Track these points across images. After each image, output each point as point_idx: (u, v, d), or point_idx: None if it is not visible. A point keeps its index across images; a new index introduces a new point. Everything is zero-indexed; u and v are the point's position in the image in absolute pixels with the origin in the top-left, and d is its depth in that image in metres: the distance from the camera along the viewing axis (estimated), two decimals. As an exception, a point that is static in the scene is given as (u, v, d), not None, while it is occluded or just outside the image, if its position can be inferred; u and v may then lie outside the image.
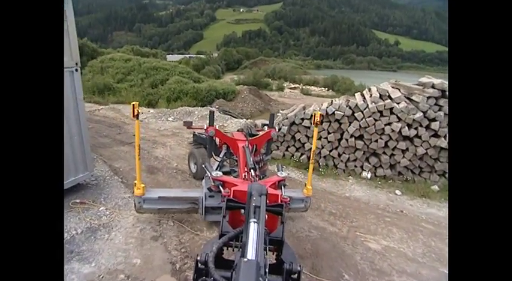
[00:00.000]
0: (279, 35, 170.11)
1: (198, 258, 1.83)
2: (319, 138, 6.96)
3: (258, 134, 5.22)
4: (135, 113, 3.62)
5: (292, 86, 36.83)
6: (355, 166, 6.92)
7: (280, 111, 13.99)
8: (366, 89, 7.73)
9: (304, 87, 35.05)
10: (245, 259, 1.59)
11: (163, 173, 6.52)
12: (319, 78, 41.47)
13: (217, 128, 4.99)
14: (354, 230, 4.71)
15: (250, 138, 4.95)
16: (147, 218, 4.67)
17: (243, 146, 4.60)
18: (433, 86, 6.21)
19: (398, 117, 6.27)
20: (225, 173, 4.18)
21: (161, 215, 4.75)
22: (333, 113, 6.62)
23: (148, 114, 12.36)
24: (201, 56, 66.27)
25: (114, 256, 3.83)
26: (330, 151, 6.95)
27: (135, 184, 4.08)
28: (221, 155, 5.16)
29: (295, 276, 1.90)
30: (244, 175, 3.99)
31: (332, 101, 7.47)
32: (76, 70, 4.81)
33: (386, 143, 6.48)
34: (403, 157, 6.48)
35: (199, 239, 4.25)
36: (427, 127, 6.23)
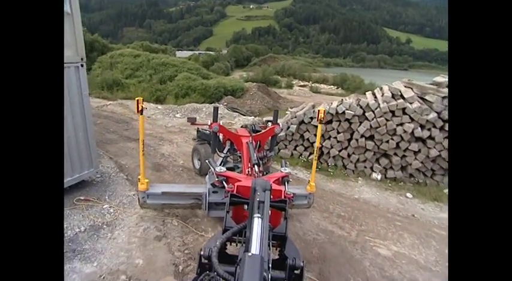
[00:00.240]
0: (288, 32, 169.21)
1: (202, 253, 1.82)
2: (329, 138, 6.80)
3: (261, 130, 5.20)
4: (140, 109, 3.58)
5: (302, 83, 36.47)
6: (365, 167, 6.73)
7: (289, 109, 13.83)
8: (378, 88, 7.52)
9: (313, 85, 34.66)
10: (249, 254, 1.58)
11: (169, 170, 6.44)
12: (328, 76, 41.00)
13: (221, 124, 4.96)
14: (363, 234, 4.55)
15: (254, 134, 4.94)
16: (151, 217, 4.59)
17: (246, 142, 4.58)
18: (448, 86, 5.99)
19: (411, 117, 6.06)
20: (228, 169, 4.12)
21: (165, 215, 4.67)
22: (343, 112, 6.45)
23: (156, 111, 12.33)
24: (211, 52, 66.22)
25: (117, 256, 3.76)
26: (339, 151, 6.78)
27: (139, 179, 4.05)
28: (225, 151, 5.16)
29: (298, 272, 1.90)
30: (248, 171, 3.99)
31: (342, 99, 7.29)
32: (82, 65, 4.73)
33: (397, 144, 6.28)
34: (415, 158, 6.28)
35: (203, 240, 4.15)
36: (441, 128, 6.01)
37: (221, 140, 5.26)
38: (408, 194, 5.96)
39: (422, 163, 6.26)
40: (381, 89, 7.25)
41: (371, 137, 6.50)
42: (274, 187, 2.86)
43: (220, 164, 4.49)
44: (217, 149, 5.17)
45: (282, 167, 4.02)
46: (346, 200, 5.64)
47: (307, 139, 6.99)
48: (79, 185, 5.25)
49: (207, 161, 4.45)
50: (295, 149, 7.27)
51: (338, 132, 6.67)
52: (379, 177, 6.59)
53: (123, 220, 4.52)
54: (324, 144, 6.83)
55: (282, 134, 7.31)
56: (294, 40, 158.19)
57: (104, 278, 3.41)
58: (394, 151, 6.41)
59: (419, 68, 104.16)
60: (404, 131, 6.10)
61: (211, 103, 14.67)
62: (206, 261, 1.82)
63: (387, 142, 6.33)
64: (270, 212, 2.17)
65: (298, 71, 43.41)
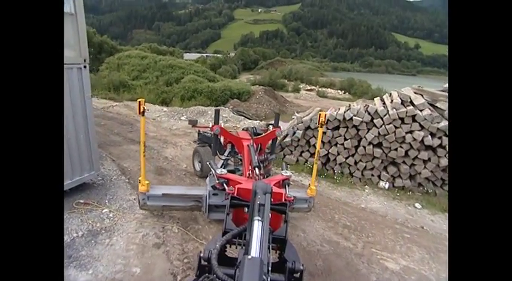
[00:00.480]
0: (296, 36, 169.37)
1: (201, 255, 1.82)
2: (335, 145, 6.63)
3: (262, 134, 5.21)
4: (141, 110, 3.61)
5: (308, 87, 36.34)
6: (372, 175, 6.54)
7: (296, 113, 13.68)
8: (386, 94, 7.34)
9: (320, 89, 34.51)
10: (249, 257, 1.58)
11: (172, 175, 6.32)
12: (335, 81, 40.82)
13: (223, 127, 4.96)
14: (369, 246, 4.37)
15: (255, 137, 4.95)
16: (150, 223, 4.46)
17: (247, 145, 4.59)
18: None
19: (421, 125, 5.87)
20: (229, 171, 4.07)
21: (166, 221, 4.55)
22: (351, 118, 6.27)
23: (161, 113, 12.27)
24: (218, 55, 66.44)
25: (113, 264, 3.63)
26: (346, 158, 6.61)
27: (140, 180, 4.02)
28: (226, 154, 5.18)
29: (298, 275, 1.89)
30: (249, 173, 3.99)
31: (350, 105, 7.13)
32: (85, 67, 4.65)
33: (406, 152, 6.09)
34: (425, 167, 6.07)
35: (203, 249, 4.00)
36: (452, 137, 5.80)
37: (222, 142, 5.31)
38: (417, 205, 5.76)
39: (432, 172, 6.05)
40: (390, 95, 7.06)
41: (379, 145, 6.31)
42: (275, 189, 2.84)
43: (221, 167, 4.44)
44: (218, 152, 5.18)
45: (282, 170, 4.01)
46: (352, 209, 5.45)
47: (314, 145, 6.83)
48: (79, 187, 5.15)
49: (207, 162, 4.44)
50: (300, 155, 7.11)
51: (345, 139, 6.50)
52: (386, 186, 6.39)
53: (122, 225, 4.40)
54: (330, 151, 6.67)
55: (288, 139, 7.17)
56: (301, 44, 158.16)
57: (99, 287, 3.30)
58: (402, 159, 6.22)
59: (427, 73, 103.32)
60: (414, 139, 5.91)
61: (217, 106, 14.57)
62: (206, 263, 1.80)
63: (396, 149, 6.14)
64: (270, 215, 2.15)
65: (305, 75, 43.31)
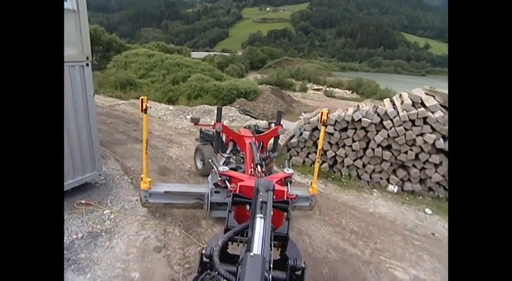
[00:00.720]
0: (304, 35, 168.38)
1: (203, 252, 1.83)
2: (343, 146, 6.45)
3: (264, 131, 5.24)
4: (144, 107, 3.58)
5: (316, 87, 35.99)
6: (381, 178, 6.35)
7: (303, 113, 13.49)
8: (396, 95, 7.12)
9: (328, 89, 34.15)
10: (251, 254, 1.58)
11: (175, 175, 6.22)
12: (343, 81, 40.35)
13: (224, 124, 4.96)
14: (377, 253, 4.20)
15: (257, 135, 4.99)
16: (152, 226, 4.36)
17: (249, 143, 4.61)
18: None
19: (432, 127, 5.66)
20: (231, 169, 4.06)
21: (167, 223, 4.44)
22: (360, 119, 6.09)
23: (167, 112, 12.19)
24: (226, 54, 66.32)
25: (112, 267, 3.53)
26: (354, 160, 6.43)
27: (142, 178, 3.99)
28: (228, 152, 5.17)
29: (299, 273, 1.90)
30: (251, 171, 3.99)
31: (358, 106, 6.94)
32: (87, 65, 4.56)
33: (417, 155, 5.89)
34: (436, 171, 5.86)
35: (205, 253, 3.88)
36: (465, 140, 5.58)
37: (224, 140, 5.32)
38: (427, 210, 5.56)
39: (443, 176, 5.84)
40: (400, 96, 6.85)
41: (388, 147, 6.12)
42: (277, 187, 2.86)
43: (223, 164, 4.45)
44: (220, 150, 5.20)
45: (284, 167, 4.01)
46: (360, 213, 5.28)
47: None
48: (81, 187, 5.08)
49: (210, 160, 4.48)
50: (307, 156, 6.95)
51: (353, 141, 6.32)
52: (395, 189, 6.20)
53: (123, 227, 4.30)
54: (338, 152, 6.49)
55: (294, 140, 7.02)
56: (309, 43, 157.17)
57: (96, 292, 3.19)
58: (412, 163, 6.02)
59: (437, 74, 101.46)
60: (425, 142, 5.71)
61: (223, 105, 14.44)
62: (207, 260, 1.81)
63: (405, 152, 5.95)
64: (272, 212, 2.16)
65: (313, 75, 42.91)
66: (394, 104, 6.49)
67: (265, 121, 12.30)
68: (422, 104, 6.02)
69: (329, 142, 6.55)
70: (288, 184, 3.68)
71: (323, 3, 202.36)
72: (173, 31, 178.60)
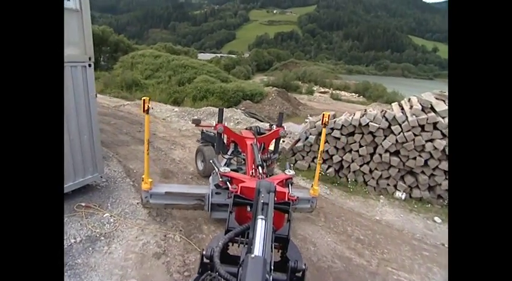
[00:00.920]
0: (311, 37, 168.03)
1: (204, 252, 1.83)
2: (350, 151, 6.30)
3: (266, 133, 5.26)
4: (146, 108, 3.61)
5: (322, 90, 35.81)
6: (388, 185, 6.19)
7: (309, 116, 13.35)
8: (405, 100, 6.95)
9: (334, 92, 33.95)
10: (252, 255, 1.57)
11: (178, 178, 6.12)
12: (350, 84, 40.09)
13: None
14: (384, 264, 4.04)
15: (259, 136, 4.99)
16: (152, 230, 4.26)
17: (251, 144, 4.62)
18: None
19: (443, 133, 5.49)
20: (232, 170, 4.07)
21: (168, 228, 4.33)
22: (367, 124, 5.93)
23: (172, 113, 12.14)
24: (233, 55, 66.44)
25: (110, 274, 3.43)
26: (361, 166, 6.27)
27: (143, 178, 4.00)
28: (229, 153, 5.21)
29: (300, 274, 1.90)
30: (252, 172, 4.00)
31: (366, 110, 6.79)
32: (89, 65, 4.48)
33: (426, 161, 5.72)
34: (446, 178, 5.68)
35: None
36: (477, 147, 5.40)
37: (225, 142, 5.35)
38: (436, 218, 5.38)
39: (453, 183, 5.65)
40: (409, 100, 6.68)
41: (396, 153, 5.96)
42: (278, 189, 2.83)
43: (224, 165, 4.47)
44: (221, 151, 5.22)
45: (286, 169, 4.01)
46: (366, 221, 5.13)
47: (327, 151, 6.51)
48: (82, 189, 4.99)
49: (211, 160, 4.47)
50: (313, 161, 6.81)
51: (360, 146, 6.17)
52: (403, 196, 6.03)
53: (122, 231, 4.20)
54: (344, 157, 6.34)
55: (300, 144, 6.88)
56: (316, 46, 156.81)
57: (92, 300, 3.09)
58: (421, 169, 5.85)
59: (445, 77, 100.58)
60: (435, 148, 5.54)
61: (228, 107, 14.35)
62: (208, 261, 1.80)
63: (414, 158, 5.78)
64: (273, 214, 2.16)
65: (320, 77, 42.73)
66: (402, 109, 6.32)
67: (269, 124, 12.19)
68: (432, 109, 5.85)
69: (335, 147, 6.41)
70: (289, 185, 3.67)
71: (330, 5, 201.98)
72: (181, 32, 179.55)
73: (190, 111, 12.60)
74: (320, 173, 6.58)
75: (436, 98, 6.29)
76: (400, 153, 5.87)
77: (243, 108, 15.08)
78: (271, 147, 5.47)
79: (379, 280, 3.72)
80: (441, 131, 5.49)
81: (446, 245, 4.62)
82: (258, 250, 1.72)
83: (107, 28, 39.21)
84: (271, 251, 1.99)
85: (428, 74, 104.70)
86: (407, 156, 5.82)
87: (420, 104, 5.96)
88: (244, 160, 4.90)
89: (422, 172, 5.86)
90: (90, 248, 3.80)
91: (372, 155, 6.16)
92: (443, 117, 5.56)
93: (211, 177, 4.49)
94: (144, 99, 3.63)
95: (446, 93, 6.37)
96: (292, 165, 6.89)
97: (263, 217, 2.01)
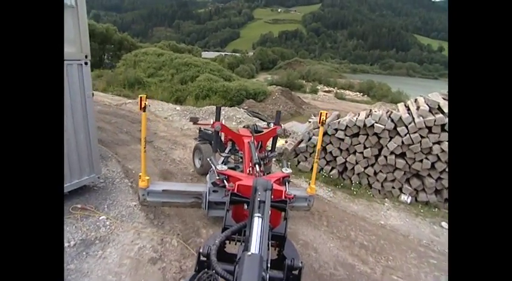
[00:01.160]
0: (315, 36, 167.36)
1: (201, 250, 1.82)
2: (354, 153, 6.12)
3: (263, 131, 5.23)
4: (143, 106, 3.59)
5: (327, 89, 35.59)
6: (393, 188, 6.00)
7: (312, 116, 13.16)
8: (411, 100, 6.75)
9: (338, 91, 33.72)
10: (249, 253, 1.57)
11: (178, 179, 5.98)
12: (354, 83, 39.84)
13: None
14: (389, 272, 3.88)
15: (256, 134, 4.97)
16: (148, 234, 4.13)
17: (248, 142, 4.59)
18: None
19: (451, 135, 5.30)
20: (229, 169, 4.06)
21: (165, 232, 4.20)
22: (372, 125, 5.76)
23: (173, 112, 12.01)
24: (237, 54, 66.24)
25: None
26: (365, 168, 6.09)
27: (140, 176, 3.94)
28: (226, 151, 5.19)
29: (296, 272, 1.90)
30: (249, 170, 3.98)
31: (371, 110, 6.61)
32: (86, 63, 4.35)
33: (433, 164, 5.53)
34: (453, 182, 5.49)
35: (203, 267, 3.62)
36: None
37: (223, 140, 5.37)
38: (443, 223, 5.20)
39: (461, 187, 5.46)
40: (416, 101, 6.49)
41: (402, 155, 5.78)
42: (275, 187, 2.88)
43: (221, 164, 4.43)
44: (218, 149, 5.23)
45: (283, 167, 4.02)
46: (371, 226, 4.96)
47: (330, 152, 6.34)
48: (79, 190, 4.87)
49: (208, 158, 4.43)
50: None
51: (365, 147, 5.99)
52: (408, 200, 5.85)
53: (118, 235, 4.07)
54: (348, 159, 6.17)
55: (303, 145, 6.72)
56: (320, 45, 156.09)
57: (83, 309, 2.96)
58: (428, 172, 5.66)
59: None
60: (442, 151, 5.35)
61: (231, 106, 14.20)
62: (205, 259, 1.80)
63: (421, 161, 5.59)
64: (270, 212, 2.18)
65: (324, 76, 42.52)
66: (409, 110, 6.13)
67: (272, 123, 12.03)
68: (440, 110, 5.66)
69: (339, 148, 6.24)
70: (286, 183, 3.66)
71: (335, 4, 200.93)
72: (185, 31, 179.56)
73: (193, 110, 12.47)
74: (323, 175, 6.47)
75: (444, 99, 6.09)
76: (406, 155, 5.68)
77: (245, 107, 14.93)
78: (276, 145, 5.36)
79: (383, 290, 3.56)
80: (449, 133, 5.30)
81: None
82: (254, 247, 1.73)
83: (111, 26, 39.26)
84: (268, 249, 1.99)
85: (433, 74, 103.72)
86: (413, 158, 5.64)
87: (427, 104, 5.77)
88: (241, 158, 4.88)
89: (429, 175, 5.68)
90: (84, 253, 3.67)
91: (376, 157, 5.98)
92: (451, 119, 5.36)
93: (208, 175, 4.47)
94: (141, 97, 3.59)
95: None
96: (292, 165, 6.74)
97: (260, 214, 2.01)
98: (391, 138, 5.75)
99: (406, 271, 3.91)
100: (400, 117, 5.63)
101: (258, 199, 2.17)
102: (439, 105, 5.70)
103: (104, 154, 6.69)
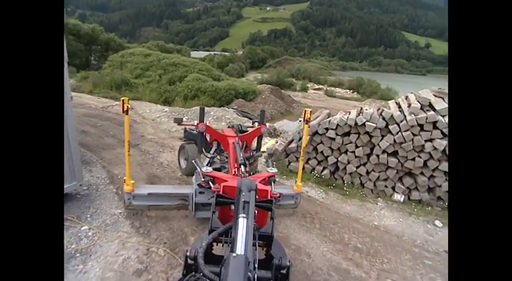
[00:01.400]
0: (304, 34, 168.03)
1: (188, 253, 1.82)
2: (345, 152, 6.01)
3: (248, 131, 5.22)
4: (125, 109, 3.56)
5: (317, 87, 35.57)
6: (386, 186, 5.91)
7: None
8: (402, 97, 6.67)
9: (328, 88, 33.71)
10: (234, 254, 1.57)
11: (165, 184, 5.78)
12: (344, 80, 39.90)
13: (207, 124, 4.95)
14: (385, 276, 3.76)
15: (241, 134, 4.96)
16: (134, 244, 3.92)
17: (233, 142, 4.58)
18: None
19: (443, 132, 5.22)
20: (215, 169, 4.11)
21: (151, 241, 4.00)
22: (363, 124, 5.65)
23: (161, 113, 11.77)
24: (226, 53, 65.84)
25: (84, 297, 3.10)
26: (357, 167, 5.98)
27: (125, 180, 3.91)
28: (212, 152, 5.17)
29: (284, 271, 1.89)
30: (234, 171, 3.99)
31: (362, 108, 6.50)
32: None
33: (425, 162, 5.45)
34: (446, 179, 5.42)
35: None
36: (478, 146, 5.14)
37: (208, 140, 5.31)
38: (437, 222, 5.12)
39: (454, 185, 5.39)
40: (407, 98, 6.40)
41: (394, 153, 5.68)
42: (260, 186, 2.88)
43: (207, 165, 4.46)
44: (204, 150, 5.19)
45: (268, 167, 4.03)
46: (364, 227, 4.84)
47: (321, 152, 6.22)
48: (60, 199, 4.63)
49: (193, 161, 4.41)
50: (307, 162, 6.50)
51: (356, 146, 5.87)
52: (401, 199, 5.76)
53: (101, 246, 3.86)
54: (340, 159, 6.05)
55: (293, 145, 6.58)
56: (310, 43, 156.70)
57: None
58: (420, 170, 5.58)
59: (438, 73, 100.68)
60: (435, 148, 5.27)
61: (220, 107, 14.00)
62: (192, 262, 1.79)
63: (413, 159, 5.51)
64: (256, 212, 2.19)
65: (314, 74, 42.50)
66: (400, 107, 6.04)
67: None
68: (431, 107, 5.58)
69: (330, 148, 6.11)
70: (272, 183, 3.65)
71: (323, 2, 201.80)
72: (173, 31, 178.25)
73: (181, 111, 12.24)
74: (315, 175, 6.34)
75: (435, 95, 6.03)
76: (398, 154, 5.59)
77: (235, 107, 14.73)
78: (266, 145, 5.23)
79: (379, 295, 3.44)
80: (441, 130, 5.22)
81: (450, 253, 4.36)
82: (239, 248, 1.73)
83: (97, 26, 38.59)
84: (256, 249, 2.00)
85: (421, 70, 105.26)
86: (405, 157, 5.55)
87: (418, 102, 5.68)
88: (227, 158, 4.80)
89: (422, 173, 5.59)
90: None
91: (368, 156, 5.88)
92: (443, 116, 5.29)
93: (194, 176, 4.42)
94: (123, 100, 3.56)
95: (445, 91, 6.11)
96: (283, 165, 6.60)
97: (244, 215, 2.01)
98: (382, 136, 5.66)
99: (402, 274, 3.80)
100: (392, 115, 5.54)
101: (243, 200, 2.15)
102: (430, 102, 5.63)
103: (88, 159, 6.45)
